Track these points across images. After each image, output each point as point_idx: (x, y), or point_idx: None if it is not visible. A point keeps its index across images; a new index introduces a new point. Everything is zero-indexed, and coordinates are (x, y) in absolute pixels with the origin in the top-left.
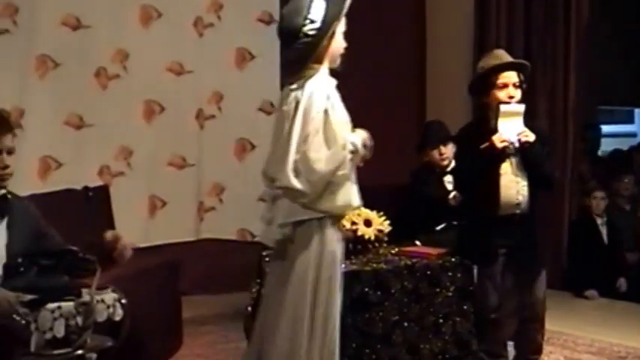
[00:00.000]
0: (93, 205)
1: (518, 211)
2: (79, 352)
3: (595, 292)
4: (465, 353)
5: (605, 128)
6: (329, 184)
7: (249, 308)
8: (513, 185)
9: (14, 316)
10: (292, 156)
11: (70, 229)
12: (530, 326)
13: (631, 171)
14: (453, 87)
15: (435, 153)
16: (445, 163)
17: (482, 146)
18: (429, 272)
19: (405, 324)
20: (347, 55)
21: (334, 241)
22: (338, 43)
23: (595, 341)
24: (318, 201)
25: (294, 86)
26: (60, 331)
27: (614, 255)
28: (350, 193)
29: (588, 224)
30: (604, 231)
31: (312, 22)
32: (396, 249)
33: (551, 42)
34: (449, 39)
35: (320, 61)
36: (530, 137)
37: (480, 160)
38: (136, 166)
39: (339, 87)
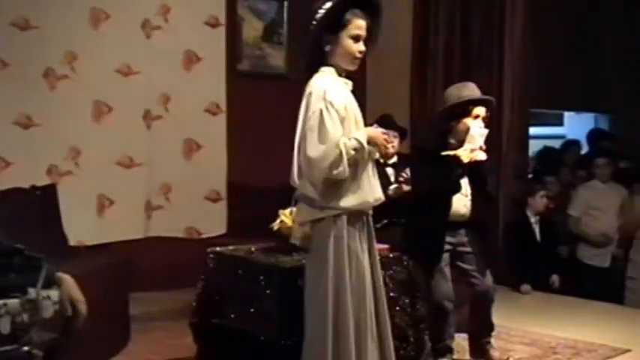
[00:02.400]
0: (41, 204)
1: (462, 220)
2: (26, 348)
3: (528, 287)
4: (404, 345)
5: (537, 130)
6: (338, 182)
7: (194, 304)
8: (462, 200)
9: None
10: (295, 157)
11: (18, 228)
12: (484, 309)
13: (555, 171)
14: (391, 89)
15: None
16: (391, 152)
17: (444, 153)
18: None
19: None
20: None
21: (351, 238)
22: (345, 48)
23: (528, 333)
24: (332, 199)
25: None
26: (6, 328)
27: (547, 251)
28: (365, 190)
29: (522, 223)
30: (537, 229)
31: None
32: None
33: (487, 48)
34: (388, 41)
35: (326, 64)
36: (482, 156)
37: (445, 174)
38: (84, 165)
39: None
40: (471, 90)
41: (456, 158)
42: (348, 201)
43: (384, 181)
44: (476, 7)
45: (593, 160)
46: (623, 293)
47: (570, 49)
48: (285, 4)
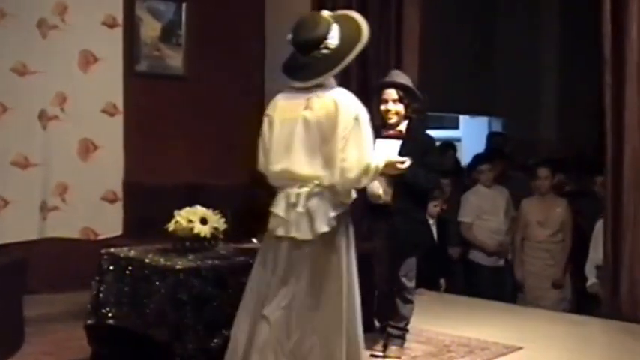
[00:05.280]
0: None
1: (382, 202)
2: None
3: (423, 290)
4: None
5: (433, 133)
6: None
7: (89, 305)
8: (376, 183)
9: None
10: (338, 157)
11: None
12: (398, 297)
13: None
14: None
15: None
16: None
17: None
18: None
19: None
20: None
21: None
22: None
23: (423, 331)
24: (349, 195)
25: (312, 92)
26: None
27: (442, 253)
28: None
29: None
30: (434, 231)
31: (333, 37)
32: (233, 246)
33: (384, 51)
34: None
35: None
36: (403, 166)
37: None
38: None
39: None
40: (386, 77)
41: None
42: (352, 197)
43: None
44: (373, 11)
45: (477, 165)
46: (516, 292)
47: (465, 53)
48: (184, 5)
